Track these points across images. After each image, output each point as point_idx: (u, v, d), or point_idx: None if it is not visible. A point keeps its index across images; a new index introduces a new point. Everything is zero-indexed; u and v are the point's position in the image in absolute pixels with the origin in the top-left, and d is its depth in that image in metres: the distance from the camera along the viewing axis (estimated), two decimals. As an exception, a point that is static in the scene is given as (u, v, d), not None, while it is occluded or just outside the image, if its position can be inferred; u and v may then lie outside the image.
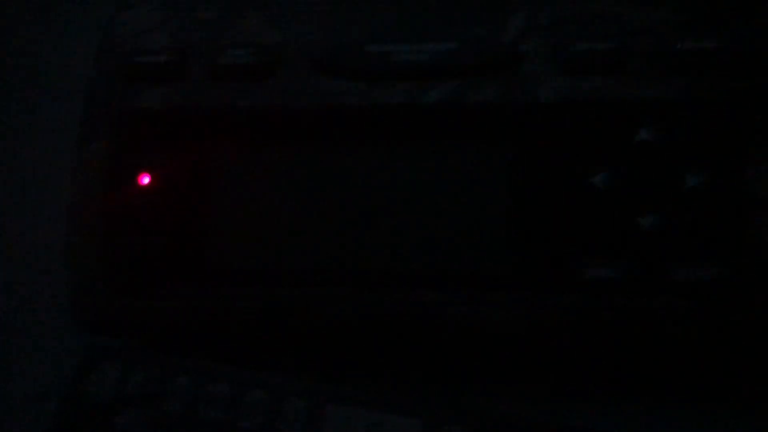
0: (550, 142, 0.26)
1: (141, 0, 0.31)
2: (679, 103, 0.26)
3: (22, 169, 0.36)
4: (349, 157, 0.28)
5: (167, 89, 0.29)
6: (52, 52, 0.38)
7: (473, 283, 0.27)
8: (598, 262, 0.26)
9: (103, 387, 0.28)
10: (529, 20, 0.28)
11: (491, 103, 0.27)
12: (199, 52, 0.29)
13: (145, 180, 0.29)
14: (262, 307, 0.28)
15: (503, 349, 0.28)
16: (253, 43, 0.29)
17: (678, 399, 0.28)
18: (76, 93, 0.31)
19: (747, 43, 0.26)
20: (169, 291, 0.28)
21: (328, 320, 0.27)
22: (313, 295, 0.27)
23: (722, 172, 0.25)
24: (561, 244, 0.26)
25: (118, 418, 0.27)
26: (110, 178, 0.29)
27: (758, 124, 0.25)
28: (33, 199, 0.35)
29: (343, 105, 0.28)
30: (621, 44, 0.27)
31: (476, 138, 0.27)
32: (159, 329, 0.29)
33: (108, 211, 0.29)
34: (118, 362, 0.28)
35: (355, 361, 0.29)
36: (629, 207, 0.26)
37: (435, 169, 0.27)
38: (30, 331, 0.32)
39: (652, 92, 0.26)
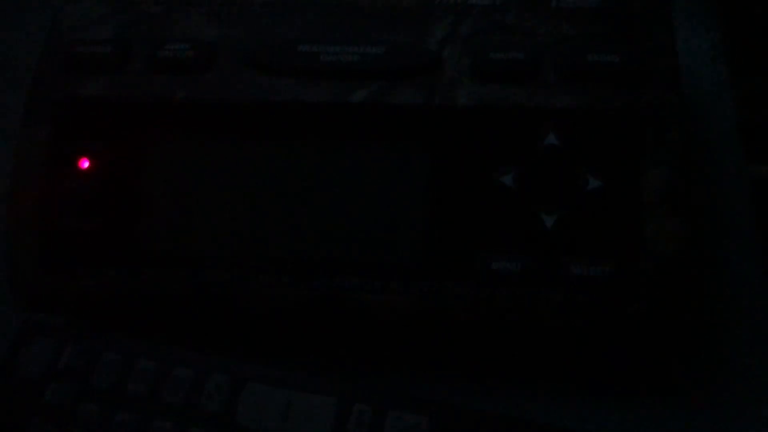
0: (465, 143, 0.28)
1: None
2: (583, 111, 0.28)
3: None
4: (277, 150, 0.29)
5: (108, 79, 0.30)
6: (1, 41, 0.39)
7: (389, 272, 0.28)
8: (502, 255, 0.27)
9: (36, 362, 0.29)
10: (451, 29, 0.30)
11: (413, 104, 0.28)
12: (140, 44, 0.30)
13: (84, 165, 0.29)
14: (188, 289, 0.29)
15: (414, 333, 0.29)
16: (193, 38, 0.30)
17: (568, 386, 0.30)
18: (24, 80, 0.31)
19: (645, 59, 0.28)
20: (102, 271, 0.29)
21: (251, 303, 0.29)
22: (237, 280, 0.29)
23: (619, 177, 0.27)
24: (470, 237, 0.28)
25: (49, 392, 0.28)
26: (50, 161, 0.30)
27: (650, 135, 0.27)
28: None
29: (273, 100, 0.29)
30: (533, 55, 0.28)
31: (397, 137, 0.28)
32: (91, 307, 0.30)
33: (47, 192, 0.29)
34: (51, 338, 0.29)
35: (277, 342, 0.30)
36: (534, 205, 0.27)
37: (357, 165, 0.28)
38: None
39: (559, 101, 0.28)
